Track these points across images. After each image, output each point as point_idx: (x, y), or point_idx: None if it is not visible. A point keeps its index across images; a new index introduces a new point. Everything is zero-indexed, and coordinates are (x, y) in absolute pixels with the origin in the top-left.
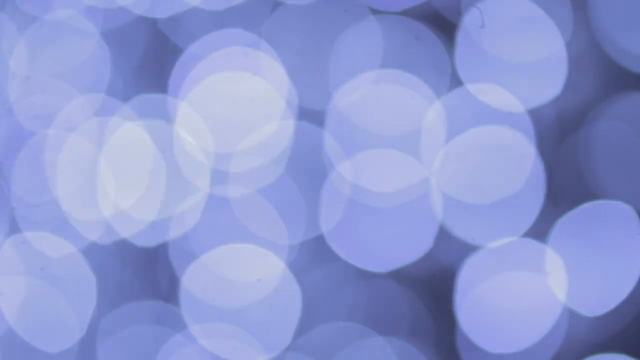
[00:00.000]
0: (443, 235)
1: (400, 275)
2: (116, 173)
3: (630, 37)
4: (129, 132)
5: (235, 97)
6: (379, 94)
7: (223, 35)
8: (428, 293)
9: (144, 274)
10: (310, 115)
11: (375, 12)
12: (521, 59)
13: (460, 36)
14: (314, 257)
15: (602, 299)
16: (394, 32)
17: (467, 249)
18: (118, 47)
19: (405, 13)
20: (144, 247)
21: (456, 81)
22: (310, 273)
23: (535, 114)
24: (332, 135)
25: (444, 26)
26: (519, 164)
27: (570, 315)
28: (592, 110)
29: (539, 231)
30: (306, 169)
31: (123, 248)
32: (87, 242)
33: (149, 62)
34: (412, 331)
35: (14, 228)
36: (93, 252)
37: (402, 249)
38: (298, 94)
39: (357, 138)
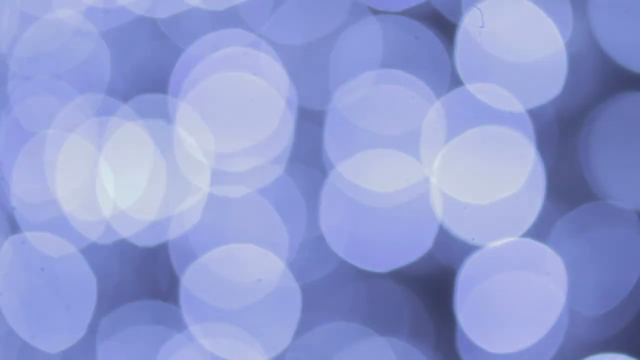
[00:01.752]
0: (443, 235)
1: (400, 275)
2: (116, 173)
3: (630, 37)
4: (129, 132)
5: (235, 97)
6: (379, 94)
7: (223, 35)
8: (428, 293)
9: (144, 274)
10: (310, 115)
11: (375, 12)
12: (521, 59)
13: (460, 36)
14: (314, 257)
15: (602, 299)
16: (394, 32)
17: (467, 249)
18: (118, 47)
19: (405, 13)
20: (144, 247)
21: (456, 81)
22: (310, 273)
23: (535, 114)
24: (332, 135)
25: (444, 26)
26: (519, 164)
27: (570, 315)
28: (592, 110)
29: (539, 231)
30: (306, 169)
31: (123, 248)
32: (87, 242)
33: (149, 62)
34: (412, 331)
35: (14, 228)
36: (93, 252)
37: (402, 249)
38: (298, 94)
39: (357, 138)
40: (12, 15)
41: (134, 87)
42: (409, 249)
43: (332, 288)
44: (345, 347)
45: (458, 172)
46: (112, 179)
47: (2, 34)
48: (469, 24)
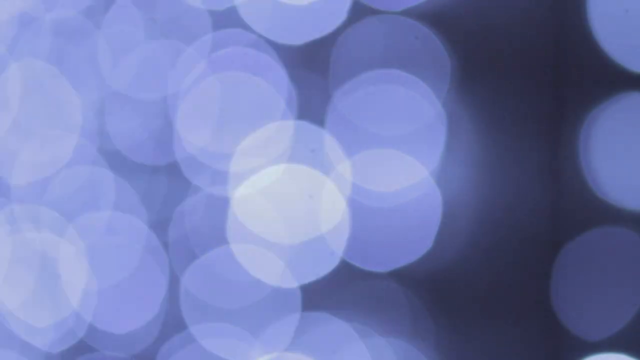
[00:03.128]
0: (443, 235)
1: (400, 275)
2: (116, 173)
3: (630, 37)
4: (129, 132)
5: (235, 97)
6: (379, 94)
7: (223, 35)
8: (428, 293)
9: (144, 273)
10: (310, 115)
11: (375, 12)
12: (520, 59)
13: (460, 36)
14: (314, 257)
15: (602, 299)
16: (394, 32)
17: (467, 249)
18: (118, 47)
19: (405, 13)
20: (144, 246)
21: (456, 81)
22: (310, 273)
23: (534, 114)
24: (332, 135)
25: (444, 26)
26: (519, 163)
27: (570, 315)
28: (592, 110)
29: (539, 231)
30: (306, 169)
31: (123, 247)
32: (87, 242)
33: (149, 62)
34: (412, 331)
35: (14, 228)
36: (93, 252)
37: (402, 249)
38: (298, 94)
39: (357, 138)
40: (12, 15)
41: (134, 87)
42: (409, 249)
43: (332, 288)
44: (345, 347)
45: (458, 172)
46: (112, 179)
47: (2, 34)
48: (469, 23)
